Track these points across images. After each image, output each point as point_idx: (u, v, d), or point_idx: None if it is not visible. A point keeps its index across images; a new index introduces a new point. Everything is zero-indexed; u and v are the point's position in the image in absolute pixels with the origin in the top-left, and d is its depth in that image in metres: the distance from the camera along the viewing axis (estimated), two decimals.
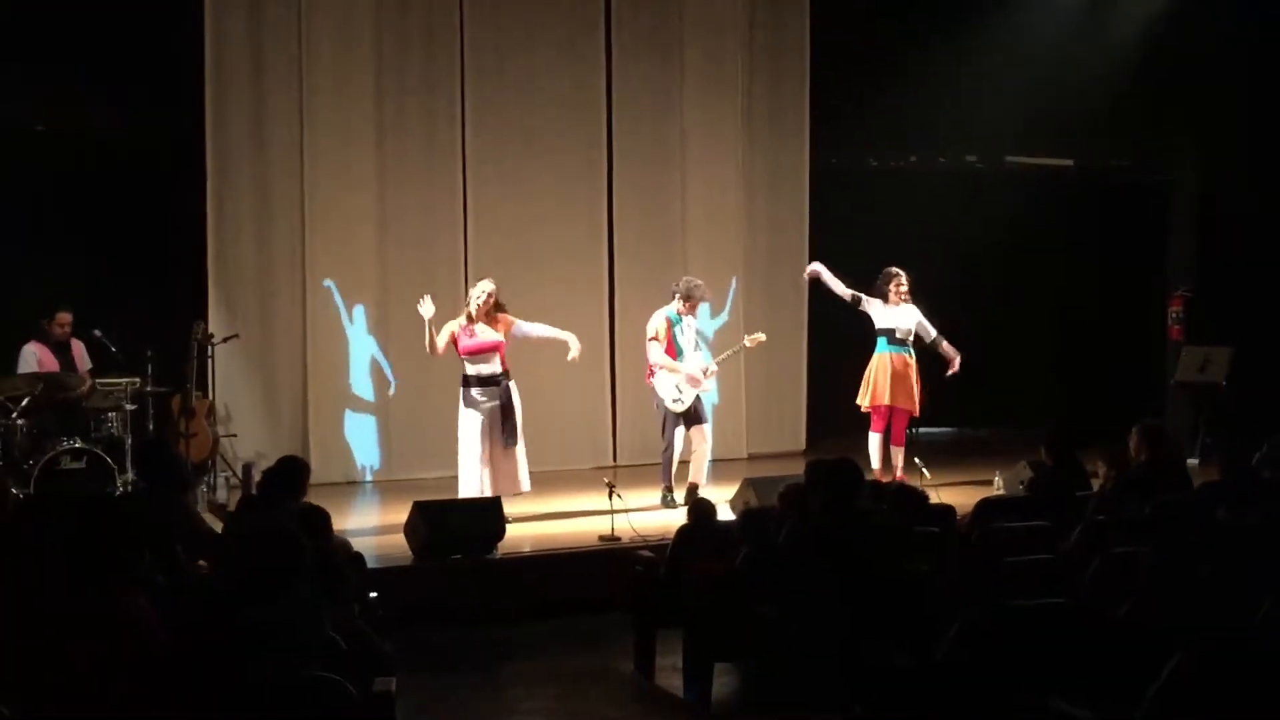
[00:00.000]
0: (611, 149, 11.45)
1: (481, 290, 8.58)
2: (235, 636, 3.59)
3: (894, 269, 9.81)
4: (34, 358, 9.12)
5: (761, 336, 9.81)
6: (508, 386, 8.56)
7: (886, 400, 9.68)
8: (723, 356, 9.82)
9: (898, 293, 9.72)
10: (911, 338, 9.76)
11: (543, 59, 11.20)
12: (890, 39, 11.74)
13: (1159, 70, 11.91)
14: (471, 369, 8.52)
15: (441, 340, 8.51)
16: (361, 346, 10.81)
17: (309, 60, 10.51)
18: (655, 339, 9.20)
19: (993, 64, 11.77)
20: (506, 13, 11.13)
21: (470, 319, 8.51)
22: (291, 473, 6.26)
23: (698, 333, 9.48)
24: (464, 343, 8.51)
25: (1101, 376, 12.83)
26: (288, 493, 6.15)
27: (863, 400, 9.81)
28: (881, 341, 9.74)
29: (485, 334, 8.54)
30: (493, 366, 8.54)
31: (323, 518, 5.57)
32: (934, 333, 9.85)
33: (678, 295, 9.26)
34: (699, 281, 9.38)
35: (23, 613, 3.46)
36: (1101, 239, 13.20)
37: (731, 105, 11.85)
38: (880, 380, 9.69)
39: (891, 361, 9.70)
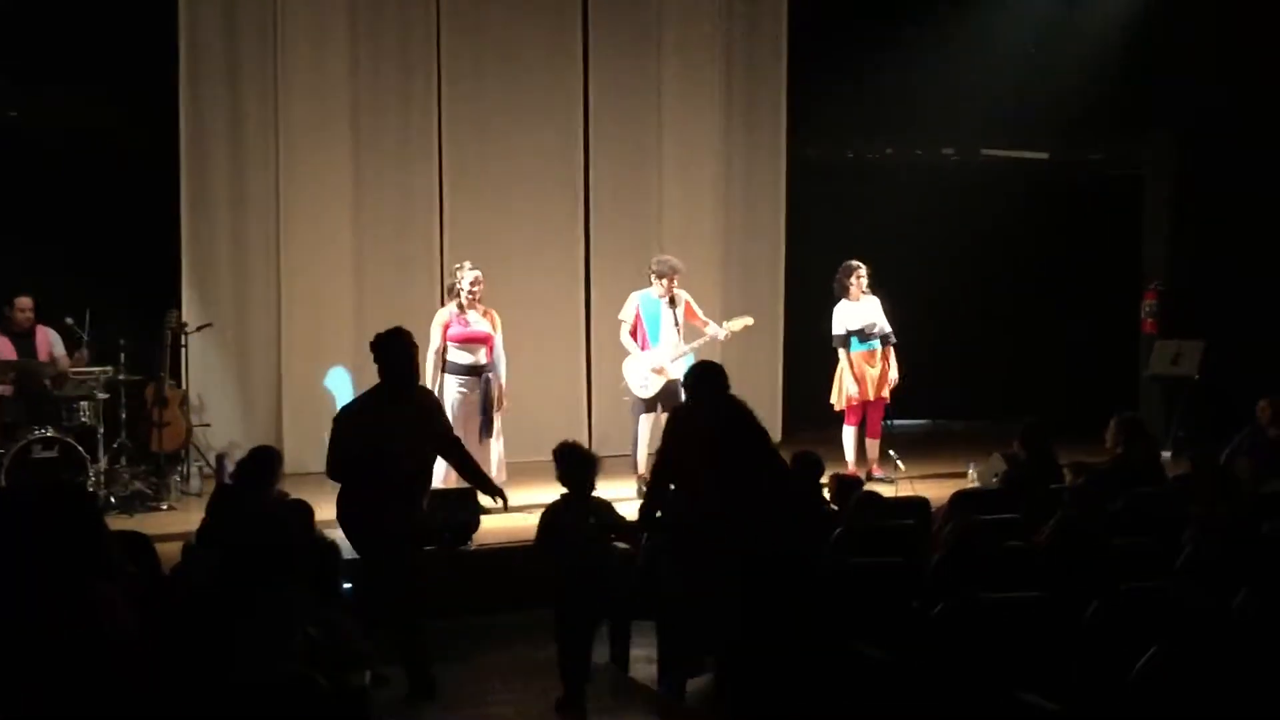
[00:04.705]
0: (588, 140, 11.42)
1: (469, 277, 8.54)
2: (212, 631, 3.57)
3: (853, 262, 9.80)
4: None
5: (749, 320, 9.59)
6: (488, 378, 8.54)
7: (866, 396, 9.70)
8: (699, 342, 9.41)
9: (858, 285, 9.73)
10: (875, 329, 9.76)
11: (520, 49, 11.15)
12: (867, 31, 11.74)
13: (1134, 63, 11.95)
14: (456, 357, 8.48)
15: (435, 335, 8.47)
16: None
17: (283, 49, 10.44)
18: (624, 321, 9.16)
19: (969, 56, 11.80)
20: (484, 3, 11.08)
21: (462, 308, 8.50)
22: (265, 462, 6.26)
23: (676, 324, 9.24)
24: (455, 330, 8.47)
25: (1075, 369, 12.88)
26: (261, 482, 6.16)
27: (836, 400, 9.82)
28: (853, 341, 9.74)
29: (478, 323, 8.52)
30: (479, 357, 8.53)
31: (305, 512, 5.56)
32: (888, 329, 9.83)
33: (655, 276, 9.13)
34: (666, 256, 9.29)
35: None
36: (1076, 231, 13.25)
37: (709, 97, 11.84)
38: (853, 380, 9.71)
39: (863, 359, 9.72)
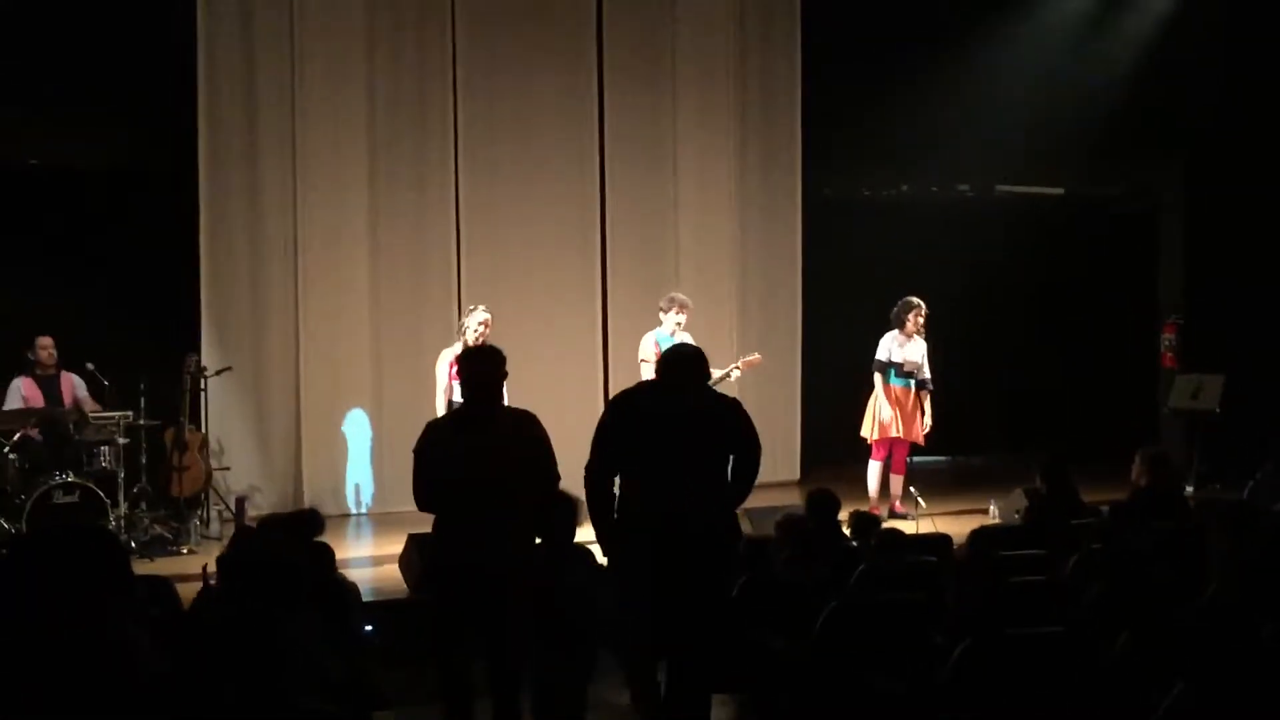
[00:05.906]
0: (604, 181, 11.45)
1: (478, 320, 8.59)
2: (234, 669, 3.57)
3: (914, 299, 9.79)
4: (19, 393, 9.10)
5: (756, 357, 9.73)
6: None
7: (894, 434, 9.68)
8: (716, 377, 9.57)
9: (916, 323, 9.72)
10: (914, 371, 9.76)
11: (535, 92, 11.21)
12: (881, 69, 11.79)
13: (1147, 98, 11.97)
14: (458, 396, 8.47)
15: (442, 373, 8.48)
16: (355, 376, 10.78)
17: (301, 91, 10.53)
18: (645, 361, 9.18)
19: (983, 93, 11.82)
20: (499, 46, 11.15)
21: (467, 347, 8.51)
22: (310, 523, 6.13)
23: None
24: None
25: (1095, 404, 12.84)
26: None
27: (869, 432, 9.79)
28: (890, 373, 9.75)
29: None
30: None
31: (327, 554, 5.54)
32: (927, 375, 9.84)
33: (670, 311, 9.26)
34: (678, 293, 9.47)
35: (16, 644, 3.44)
36: (1093, 266, 13.25)
37: (724, 137, 11.88)
38: (888, 413, 9.69)
39: (898, 394, 9.70)
